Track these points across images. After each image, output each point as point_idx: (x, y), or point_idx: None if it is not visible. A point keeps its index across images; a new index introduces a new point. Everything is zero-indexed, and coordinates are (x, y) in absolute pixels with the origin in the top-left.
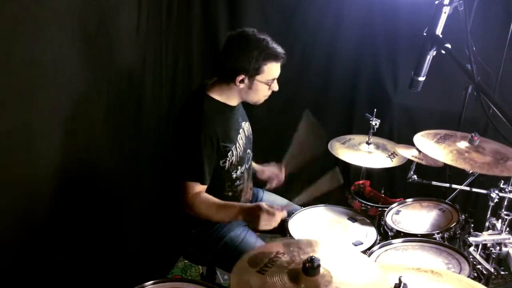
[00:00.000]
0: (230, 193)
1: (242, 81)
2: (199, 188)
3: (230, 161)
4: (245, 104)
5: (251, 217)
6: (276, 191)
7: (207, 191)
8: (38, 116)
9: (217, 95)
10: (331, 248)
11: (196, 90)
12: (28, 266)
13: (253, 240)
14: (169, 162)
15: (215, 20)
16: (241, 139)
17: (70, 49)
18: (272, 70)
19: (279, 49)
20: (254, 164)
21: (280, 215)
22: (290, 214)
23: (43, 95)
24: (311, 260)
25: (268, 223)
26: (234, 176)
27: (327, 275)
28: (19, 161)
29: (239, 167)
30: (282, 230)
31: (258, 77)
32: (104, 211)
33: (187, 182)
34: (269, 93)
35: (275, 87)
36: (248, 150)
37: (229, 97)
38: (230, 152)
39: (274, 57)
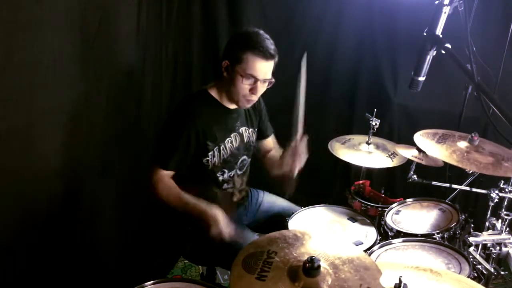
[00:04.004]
0: (218, 192)
1: (226, 68)
2: (165, 173)
3: (212, 162)
4: None
5: (206, 222)
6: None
7: (193, 184)
8: (38, 116)
9: (215, 94)
10: (315, 236)
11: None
12: (28, 266)
13: (250, 237)
14: None
15: (215, 20)
16: (230, 142)
17: (70, 49)
18: (250, 63)
19: (264, 44)
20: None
21: (227, 235)
22: (290, 214)
23: (43, 95)
24: (311, 260)
25: (217, 236)
26: (220, 178)
27: (328, 274)
28: (19, 161)
29: (225, 170)
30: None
31: (238, 67)
32: (104, 211)
33: (154, 165)
34: (249, 95)
35: (257, 90)
36: (244, 157)
37: (225, 98)
38: (212, 152)
39: (251, 47)
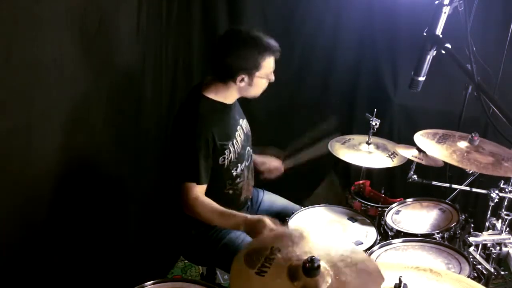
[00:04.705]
0: (230, 191)
1: (242, 80)
2: (199, 189)
3: (229, 158)
4: (244, 104)
5: (253, 230)
6: (276, 190)
7: (207, 190)
8: (38, 116)
9: (213, 95)
10: (323, 239)
11: (192, 90)
12: (28, 266)
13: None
14: (168, 163)
15: (215, 20)
16: (239, 136)
17: (70, 49)
18: (270, 63)
19: (273, 43)
20: (254, 156)
21: (280, 232)
22: (290, 214)
23: (43, 95)
24: (311, 260)
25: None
26: (234, 174)
27: (328, 274)
28: (19, 161)
29: (238, 164)
30: None
31: (257, 73)
32: (104, 211)
33: (186, 184)
34: (266, 85)
35: (272, 78)
36: (248, 148)
37: (226, 96)
38: (228, 149)
39: (270, 51)
